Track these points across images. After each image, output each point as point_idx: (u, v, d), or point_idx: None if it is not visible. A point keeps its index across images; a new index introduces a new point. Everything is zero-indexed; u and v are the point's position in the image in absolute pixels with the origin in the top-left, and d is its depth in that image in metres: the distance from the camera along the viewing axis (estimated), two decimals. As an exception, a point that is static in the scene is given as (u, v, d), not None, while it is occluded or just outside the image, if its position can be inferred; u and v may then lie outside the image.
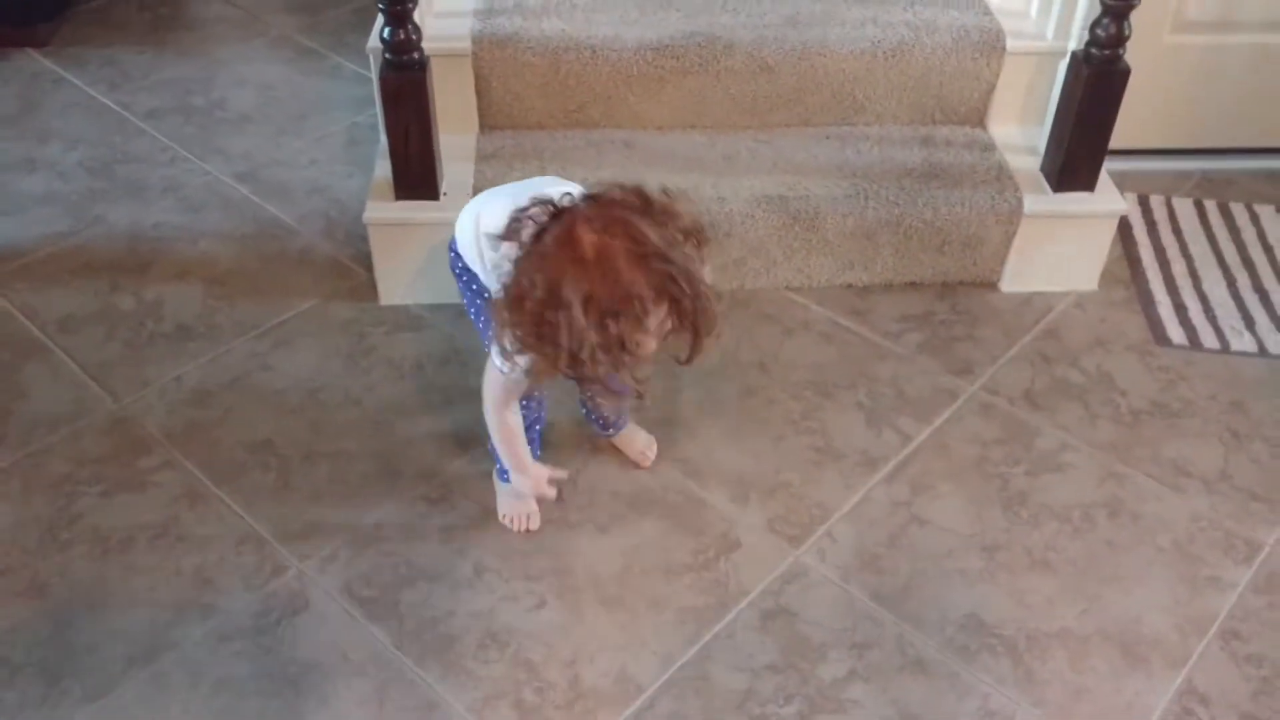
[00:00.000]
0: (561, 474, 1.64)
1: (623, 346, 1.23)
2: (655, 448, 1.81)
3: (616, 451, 1.82)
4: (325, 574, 1.63)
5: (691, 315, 1.26)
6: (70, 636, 1.54)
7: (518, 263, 1.28)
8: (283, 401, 1.89)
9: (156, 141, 2.48)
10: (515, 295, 1.26)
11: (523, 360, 1.32)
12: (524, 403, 1.60)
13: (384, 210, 1.99)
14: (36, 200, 2.31)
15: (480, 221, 1.45)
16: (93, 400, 1.89)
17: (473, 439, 1.83)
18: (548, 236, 1.26)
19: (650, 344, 1.27)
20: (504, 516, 1.72)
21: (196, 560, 1.64)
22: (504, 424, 1.56)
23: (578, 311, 1.21)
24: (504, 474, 1.68)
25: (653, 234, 1.24)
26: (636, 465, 1.80)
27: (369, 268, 2.07)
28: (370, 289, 2.08)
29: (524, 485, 1.62)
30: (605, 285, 1.21)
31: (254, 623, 1.57)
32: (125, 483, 1.75)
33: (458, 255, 1.57)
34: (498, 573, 1.64)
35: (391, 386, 1.92)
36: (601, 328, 1.21)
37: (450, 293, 2.05)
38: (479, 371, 1.91)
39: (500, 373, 1.45)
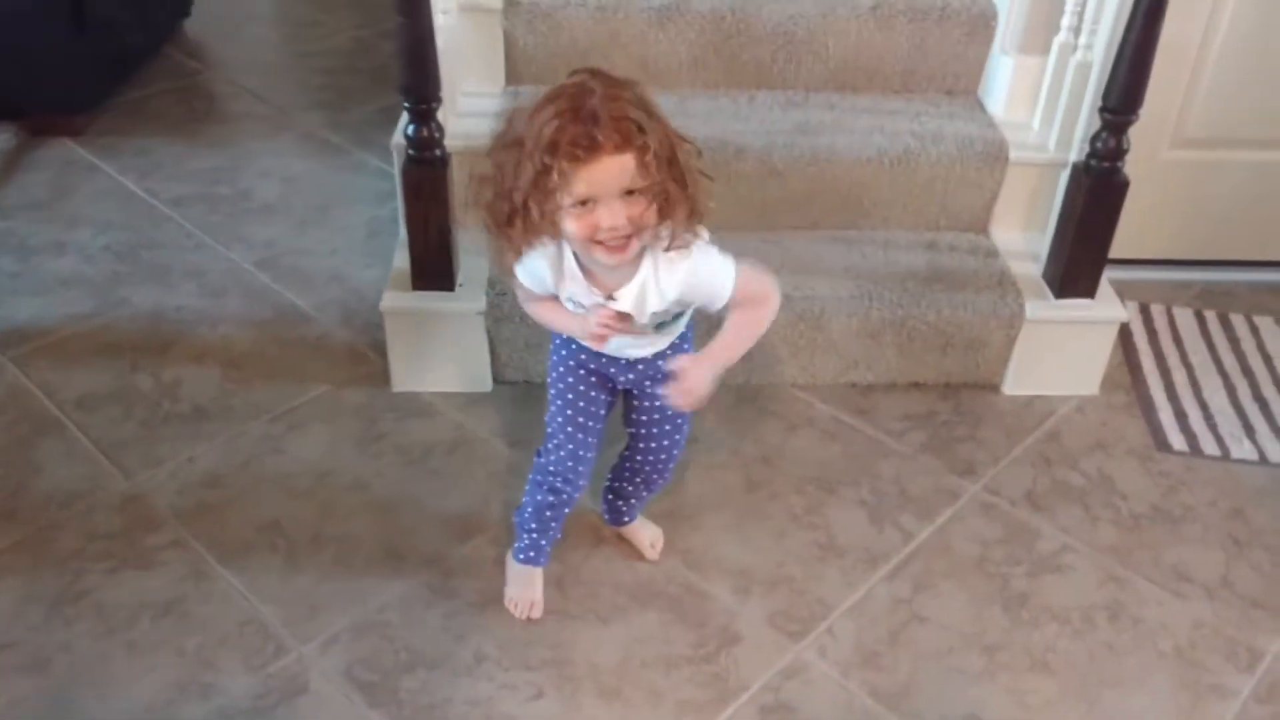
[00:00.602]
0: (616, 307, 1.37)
1: (556, 188, 1.16)
2: (662, 541, 1.83)
3: (622, 543, 1.83)
4: (326, 657, 1.64)
5: (661, 182, 1.18)
6: (71, 714, 1.55)
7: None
8: (292, 484, 1.92)
9: (182, 228, 2.56)
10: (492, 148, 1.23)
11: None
12: (556, 485, 1.60)
13: (401, 299, 2.04)
14: (63, 282, 2.37)
15: None
16: (105, 478, 1.92)
17: (477, 527, 1.85)
18: None
19: (615, 210, 1.20)
20: (509, 601, 1.72)
21: (199, 640, 1.65)
22: (537, 312, 1.47)
23: (528, 145, 1.15)
24: (519, 553, 1.69)
25: (645, 94, 1.16)
26: (642, 557, 1.82)
27: (383, 355, 2.12)
28: (383, 376, 2.13)
29: (578, 327, 1.42)
30: (561, 115, 1.15)
31: (253, 704, 1.57)
32: (133, 560, 1.77)
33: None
34: (497, 661, 1.65)
35: (400, 472, 1.95)
36: (542, 163, 1.14)
37: (461, 381, 2.10)
38: (486, 460, 1.95)
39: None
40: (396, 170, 2.09)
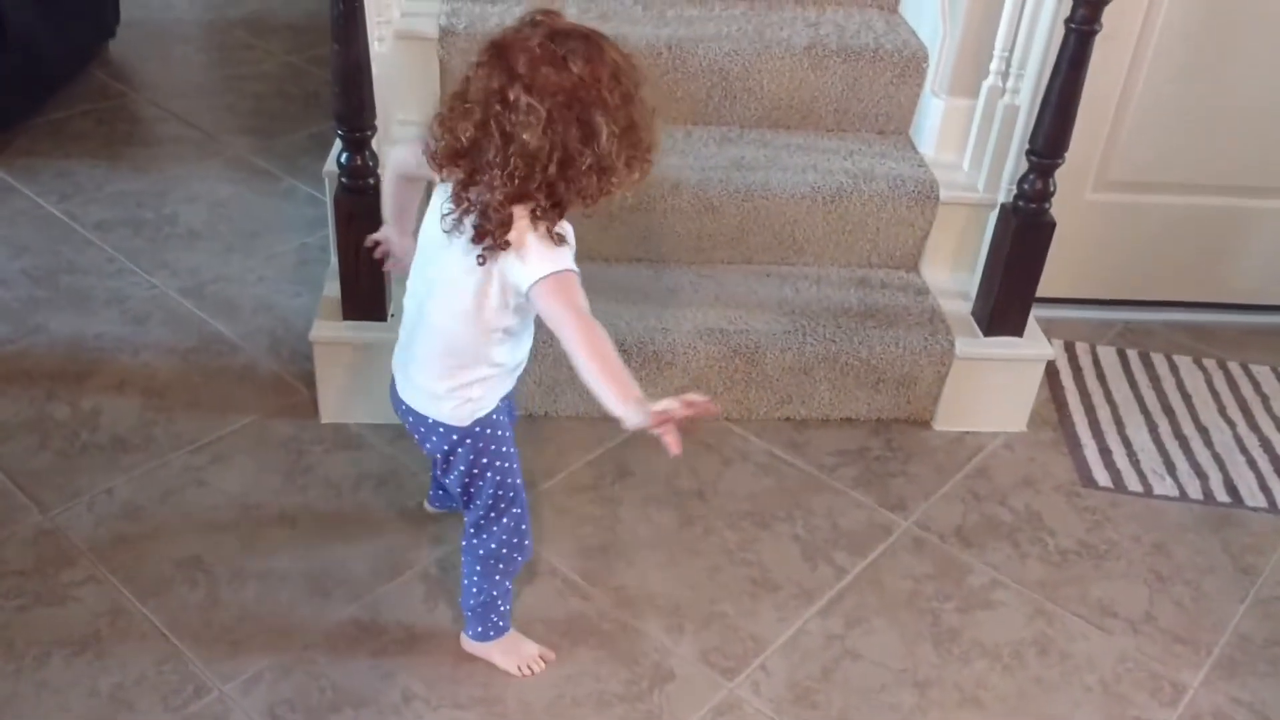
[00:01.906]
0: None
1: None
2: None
3: (555, 579, 1.81)
4: (249, 696, 1.59)
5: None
6: (-26, 758, 1.48)
7: None
8: (215, 518, 1.86)
9: (103, 253, 2.49)
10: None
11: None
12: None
13: (331, 329, 2.01)
14: (-24, 307, 2.30)
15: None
16: (18, 510, 1.84)
17: (406, 562, 1.81)
18: None
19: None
20: (523, 668, 1.65)
21: (115, 679, 1.59)
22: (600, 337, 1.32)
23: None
24: (505, 621, 1.65)
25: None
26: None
27: (311, 385, 2.08)
28: (311, 407, 2.08)
29: (640, 415, 1.30)
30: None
31: (170, 747, 1.52)
32: (45, 596, 1.70)
33: None
34: (425, 700, 1.61)
35: (327, 505, 1.90)
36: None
37: (391, 412, 2.06)
38: (416, 493, 1.92)
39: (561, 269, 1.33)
40: (328, 198, 2.06)
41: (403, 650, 1.68)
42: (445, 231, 1.36)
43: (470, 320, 1.39)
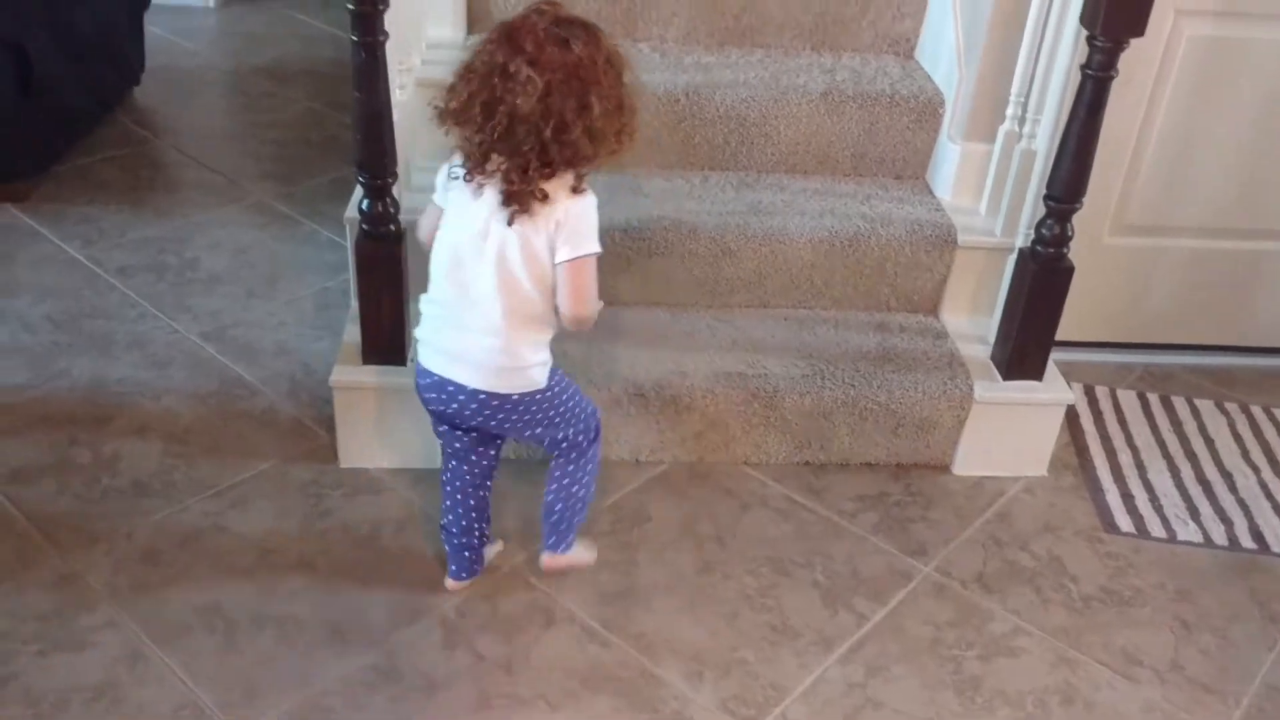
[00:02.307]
0: None
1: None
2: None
3: (571, 624, 1.80)
4: (266, 745, 1.58)
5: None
6: (-9, 806, 1.47)
7: None
8: (234, 563, 1.86)
9: (126, 298, 2.51)
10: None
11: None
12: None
13: (351, 374, 2.01)
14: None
15: None
16: (38, 555, 1.85)
17: (425, 608, 1.80)
18: None
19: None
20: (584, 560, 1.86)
21: (132, 726, 1.59)
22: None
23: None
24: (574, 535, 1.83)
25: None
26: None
27: (331, 430, 2.08)
28: (330, 451, 2.09)
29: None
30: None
31: (187, 795, 1.51)
32: (64, 642, 1.70)
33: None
34: (445, 748, 1.60)
35: (346, 551, 1.90)
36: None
37: (410, 457, 2.07)
38: (434, 538, 1.92)
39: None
40: (349, 243, 2.07)
41: (422, 696, 1.67)
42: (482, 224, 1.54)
43: (545, 283, 1.57)
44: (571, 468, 1.76)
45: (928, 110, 2.34)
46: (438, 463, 2.06)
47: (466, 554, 1.82)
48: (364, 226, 1.92)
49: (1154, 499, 2.17)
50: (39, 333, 2.38)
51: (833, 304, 2.30)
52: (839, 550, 1.99)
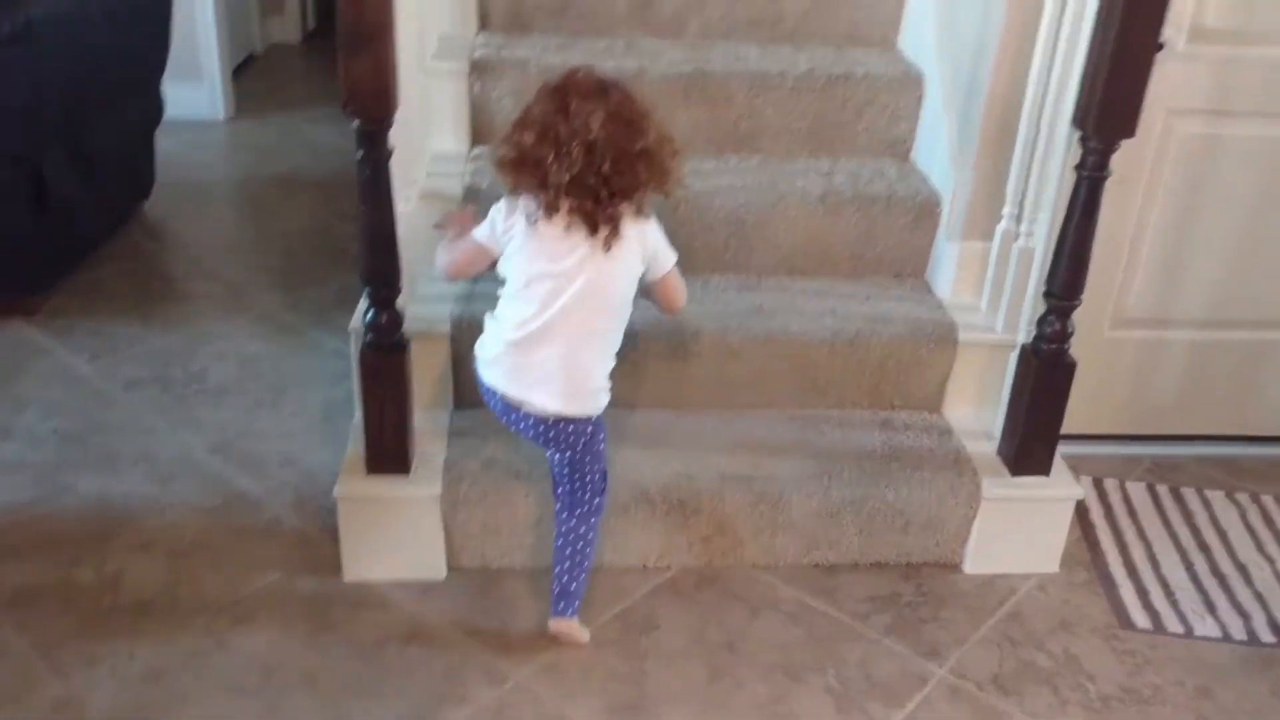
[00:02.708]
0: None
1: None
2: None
3: (580, 738, 1.77)
4: None
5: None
6: None
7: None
8: (238, 681, 1.83)
9: (133, 412, 2.52)
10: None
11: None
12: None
13: (355, 485, 2.01)
14: (5, 467, 2.31)
15: None
16: (38, 678, 1.82)
17: (432, 723, 1.77)
18: None
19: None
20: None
21: None
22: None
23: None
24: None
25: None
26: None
27: (336, 541, 2.07)
28: (335, 563, 2.07)
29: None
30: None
31: None
32: (64, 768, 1.67)
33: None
34: None
35: (351, 666, 1.88)
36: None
37: (415, 568, 2.05)
38: (442, 651, 1.89)
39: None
40: (353, 353, 2.09)
41: (427, 819, 1.63)
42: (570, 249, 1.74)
43: (628, 305, 1.81)
44: (588, 522, 1.90)
45: (925, 210, 2.38)
46: (441, 574, 2.06)
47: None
48: (368, 338, 1.94)
49: (1169, 593, 2.14)
50: (45, 448, 2.38)
51: (837, 403, 2.30)
52: (852, 654, 1.96)
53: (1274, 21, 2.18)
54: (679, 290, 1.94)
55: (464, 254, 1.88)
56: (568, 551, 1.91)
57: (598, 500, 1.93)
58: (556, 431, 1.83)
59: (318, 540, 2.14)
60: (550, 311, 1.76)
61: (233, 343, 2.81)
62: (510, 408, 1.84)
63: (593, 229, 1.71)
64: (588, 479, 1.90)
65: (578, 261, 1.74)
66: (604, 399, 1.85)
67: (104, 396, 2.57)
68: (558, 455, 1.89)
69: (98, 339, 2.79)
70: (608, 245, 1.72)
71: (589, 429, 1.86)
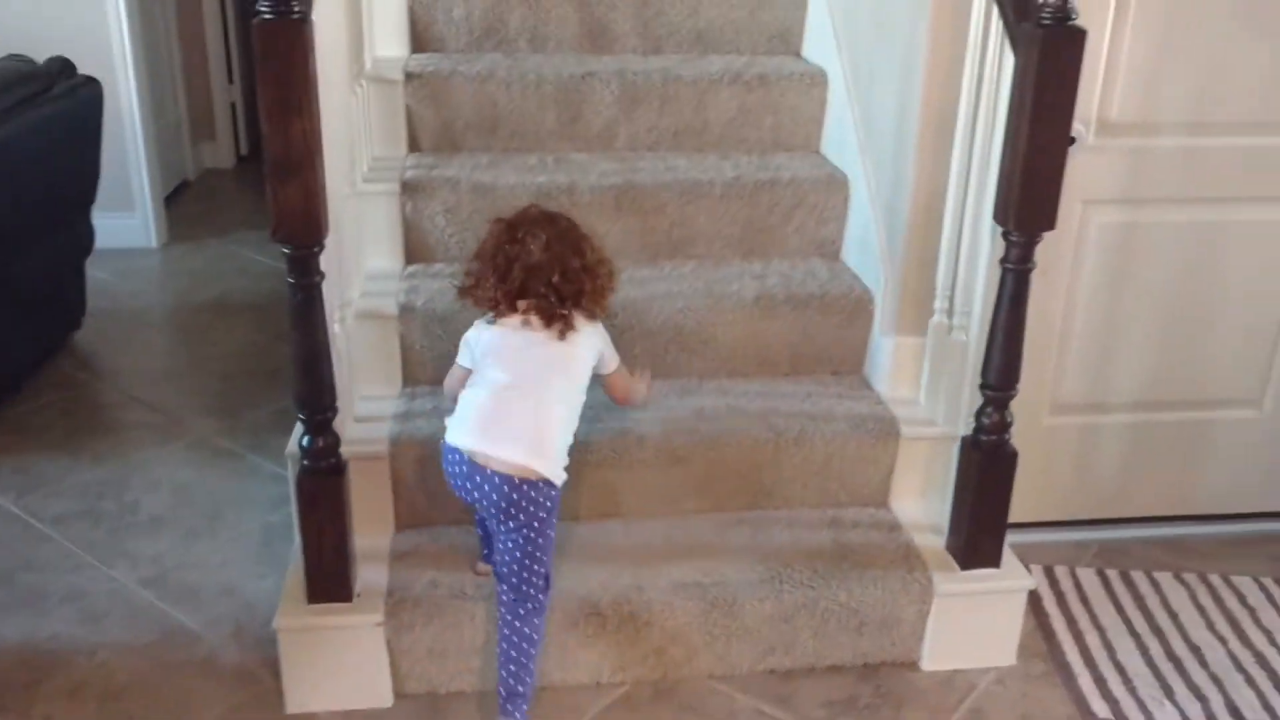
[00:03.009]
0: None
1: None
2: None
3: None
4: None
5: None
6: None
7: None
8: (174, 831, 1.74)
9: (61, 548, 2.44)
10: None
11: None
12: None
13: (295, 615, 1.95)
14: (-74, 615, 2.22)
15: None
16: (-41, 841, 1.72)
17: None
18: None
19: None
20: None
21: None
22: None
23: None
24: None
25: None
26: None
27: (277, 674, 1.99)
28: (276, 697, 1.99)
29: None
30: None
31: None
32: None
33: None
34: None
35: (295, 807, 1.79)
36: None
37: (359, 697, 1.98)
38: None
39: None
40: (291, 478, 2.04)
41: None
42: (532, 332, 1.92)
43: (584, 383, 1.97)
44: (534, 617, 1.89)
45: (859, 308, 2.41)
46: (388, 702, 1.99)
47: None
48: (305, 462, 1.90)
49: (1126, 680, 2.13)
50: (-32, 592, 2.29)
51: (784, 503, 2.29)
52: (814, 763, 1.92)
53: (1173, 113, 2.27)
54: (627, 388, 2.12)
55: (458, 380, 2.00)
56: (513, 654, 1.88)
57: (541, 598, 1.90)
58: (519, 496, 1.83)
59: (259, 673, 2.07)
60: (520, 373, 1.90)
61: (166, 471, 2.75)
62: (475, 470, 1.85)
63: (548, 323, 1.90)
64: (535, 569, 1.88)
65: (541, 339, 1.91)
66: (563, 472, 1.89)
67: (31, 533, 2.48)
68: (511, 540, 1.86)
69: (24, 475, 2.71)
70: (562, 335, 1.90)
71: (547, 504, 1.86)
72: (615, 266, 2.01)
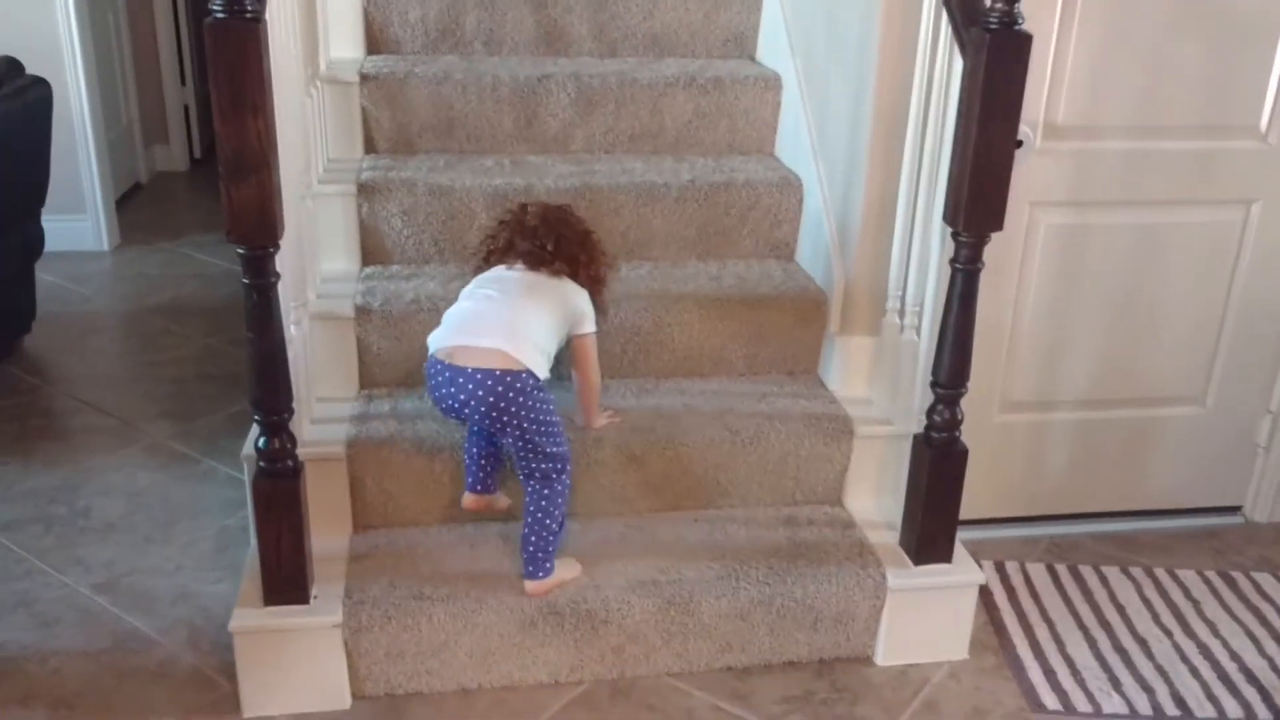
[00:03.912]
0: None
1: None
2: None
3: None
4: None
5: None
6: None
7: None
8: (129, 836, 1.73)
9: (11, 554, 2.41)
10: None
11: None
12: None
13: (251, 618, 1.94)
14: (-128, 624, 2.18)
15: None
16: None
17: None
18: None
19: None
20: (565, 578, 2.07)
21: None
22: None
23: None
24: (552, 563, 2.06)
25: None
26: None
27: (233, 678, 1.98)
28: (233, 701, 1.98)
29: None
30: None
31: None
32: None
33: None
34: None
35: (252, 810, 1.79)
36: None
37: (317, 699, 1.98)
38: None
39: None
40: (247, 480, 2.04)
41: None
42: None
43: (555, 320, 2.06)
44: (545, 492, 2.01)
45: (812, 308, 2.44)
46: (345, 703, 1.99)
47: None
48: (261, 464, 1.89)
49: (1075, 673, 2.17)
50: (-84, 600, 2.25)
51: (740, 501, 2.31)
52: (770, 758, 1.94)
53: (1116, 117, 2.33)
54: (590, 357, 2.15)
55: None
56: (537, 530, 2.02)
57: (557, 483, 2.02)
58: (503, 388, 1.91)
59: (215, 678, 2.05)
60: (503, 289, 2.03)
61: (120, 475, 2.72)
62: (456, 374, 1.92)
63: (537, 265, 2.06)
64: (543, 457, 1.98)
65: (532, 275, 2.06)
66: (544, 366, 1.98)
67: (-19, 541, 2.45)
68: (510, 440, 1.98)
69: (-26, 481, 2.68)
70: (554, 274, 2.07)
71: (535, 393, 1.95)
72: (614, 259, 2.20)
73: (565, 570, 2.07)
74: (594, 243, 2.13)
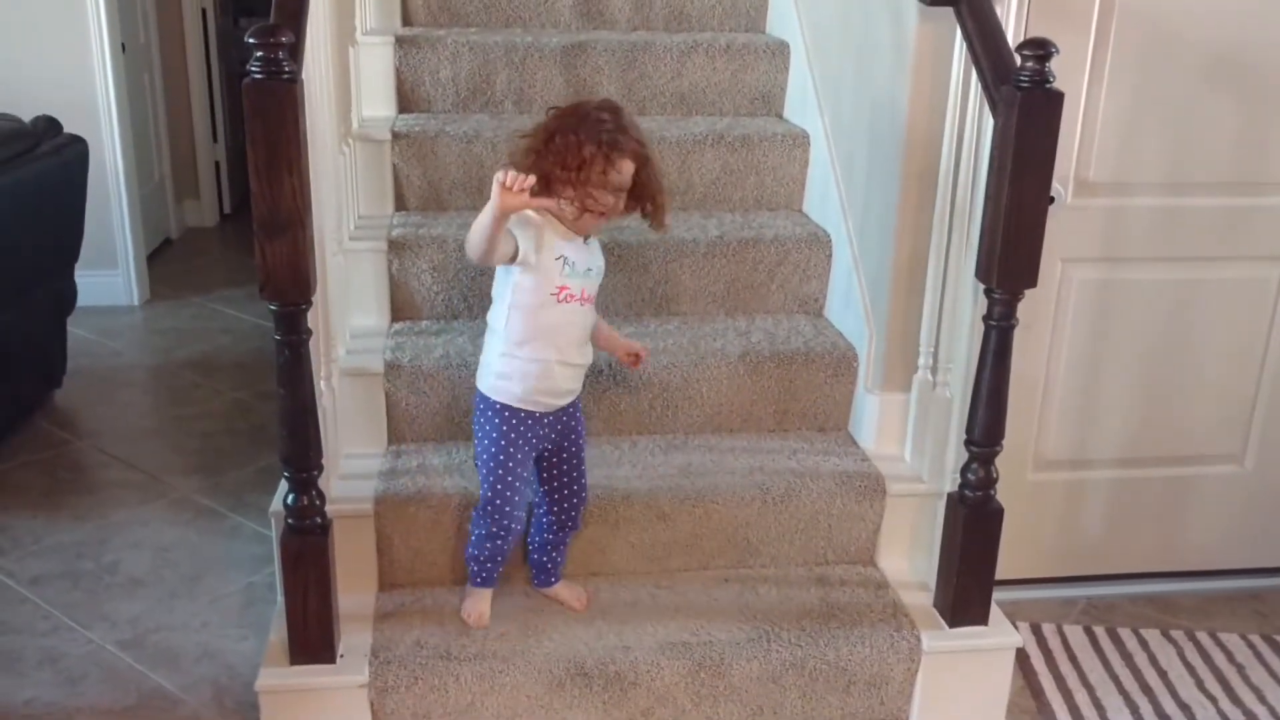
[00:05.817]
0: None
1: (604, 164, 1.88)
2: (585, 596, 2.15)
3: None
4: None
5: (650, 190, 1.98)
6: None
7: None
8: None
9: (38, 609, 2.40)
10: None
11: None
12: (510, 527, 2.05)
13: (278, 677, 1.92)
14: (-102, 680, 2.17)
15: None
16: None
17: None
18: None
19: (607, 197, 1.91)
20: (465, 613, 2.08)
21: None
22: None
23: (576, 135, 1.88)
24: (476, 579, 2.08)
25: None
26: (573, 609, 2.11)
27: (258, 739, 1.96)
28: (258, 762, 1.96)
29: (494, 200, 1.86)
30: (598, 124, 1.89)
31: None
32: None
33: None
34: None
35: None
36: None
37: (344, 764, 1.95)
38: None
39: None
40: (274, 537, 2.02)
41: None
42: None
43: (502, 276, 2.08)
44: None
45: (843, 364, 2.42)
46: (372, 767, 1.96)
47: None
48: (289, 521, 1.88)
49: (1117, 740, 2.12)
50: (-58, 656, 2.24)
51: (771, 561, 2.28)
52: (804, 826, 1.89)
53: (1147, 173, 2.32)
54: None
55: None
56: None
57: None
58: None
59: (238, 739, 2.03)
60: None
61: (147, 530, 2.72)
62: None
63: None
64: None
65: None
66: (491, 379, 2.04)
67: (7, 595, 2.44)
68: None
69: (1, 536, 2.67)
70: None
71: (477, 404, 2.04)
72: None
73: (478, 602, 2.10)
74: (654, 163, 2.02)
